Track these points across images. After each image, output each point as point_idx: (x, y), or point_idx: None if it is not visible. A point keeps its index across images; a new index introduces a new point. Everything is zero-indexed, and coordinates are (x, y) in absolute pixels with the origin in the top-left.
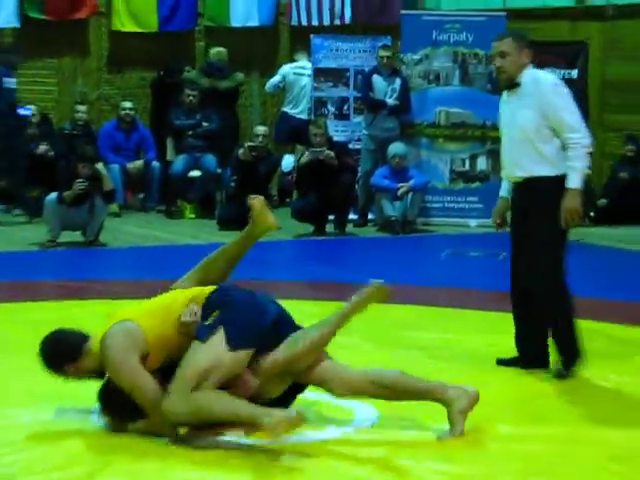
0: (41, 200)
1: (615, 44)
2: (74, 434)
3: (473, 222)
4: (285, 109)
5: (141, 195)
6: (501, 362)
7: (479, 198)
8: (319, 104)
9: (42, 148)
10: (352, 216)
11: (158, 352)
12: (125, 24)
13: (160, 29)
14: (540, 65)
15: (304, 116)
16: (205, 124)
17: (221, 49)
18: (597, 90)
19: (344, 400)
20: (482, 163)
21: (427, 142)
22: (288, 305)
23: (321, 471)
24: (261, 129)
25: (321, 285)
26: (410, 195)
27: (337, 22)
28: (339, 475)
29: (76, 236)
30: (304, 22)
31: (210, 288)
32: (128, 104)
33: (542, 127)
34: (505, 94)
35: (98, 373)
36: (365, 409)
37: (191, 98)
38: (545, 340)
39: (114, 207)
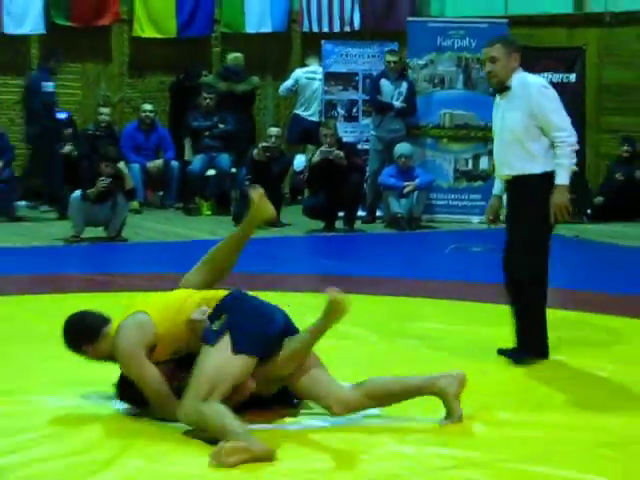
0: (66, 198)
1: (611, 50)
2: (94, 419)
3: (476, 219)
4: (297, 111)
5: (160, 193)
6: (502, 352)
7: (481, 196)
8: (329, 106)
9: (67, 148)
10: (361, 213)
11: (166, 345)
12: (145, 30)
13: (179, 35)
14: (540, 69)
15: (315, 118)
16: (221, 125)
17: (238, 54)
18: (594, 93)
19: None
20: (484, 163)
21: (432, 143)
22: (299, 298)
23: (326, 458)
24: (274, 130)
25: (331, 279)
26: (416, 193)
27: (347, 28)
28: (344, 461)
29: (99, 232)
30: (315, 28)
31: (223, 292)
32: (148, 106)
33: (530, 127)
34: (497, 97)
35: (112, 357)
36: None
37: (208, 101)
38: (544, 330)
39: (135, 204)
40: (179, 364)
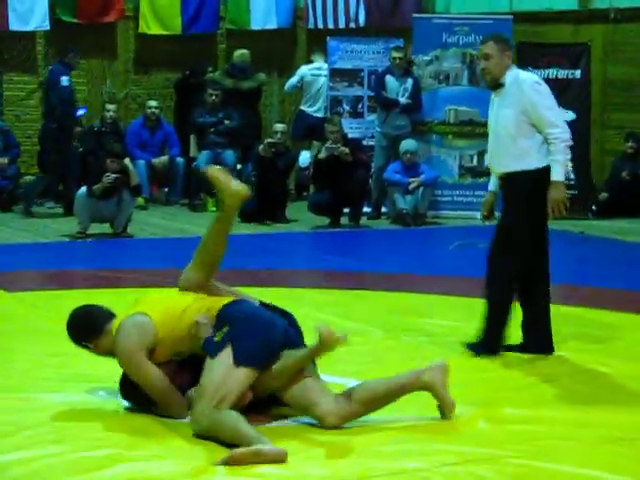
0: (69, 194)
1: (616, 46)
2: (99, 416)
3: (480, 215)
4: (302, 107)
5: (166, 189)
6: (508, 348)
7: (486, 192)
8: (335, 103)
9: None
10: (366, 209)
11: (166, 348)
12: (151, 27)
13: (184, 32)
14: (545, 65)
15: (320, 114)
16: (226, 122)
17: (244, 51)
18: (599, 89)
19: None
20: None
21: (437, 139)
22: (305, 293)
23: (331, 455)
24: (280, 126)
25: (336, 275)
26: (421, 189)
27: (352, 25)
28: (349, 459)
29: (105, 228)
30: (320, 25)
31: (225, 300)
32: (154, 103)
33: (523, 124)
34: (493, 95)
35: (114, 354)
36: None
37: (213, 97)
38: (548, 326)
39: (140, 200)
40: (181, 364)
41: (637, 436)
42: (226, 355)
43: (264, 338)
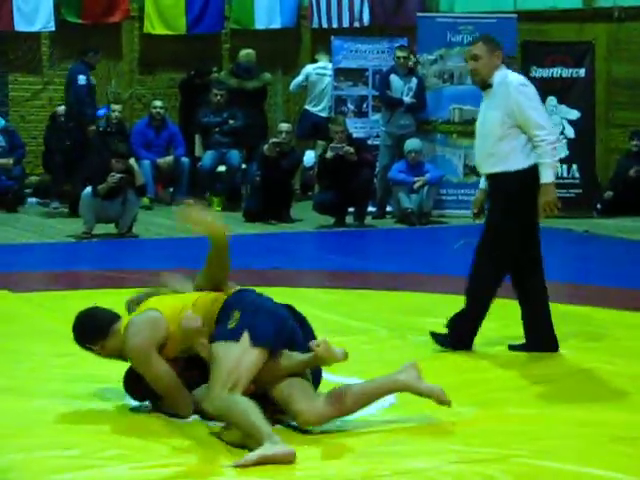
0: (75, 194)
1: (621, 45)
2: (108, 417)
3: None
4: (307, 107)
5: (171, 189)
6: (512, 348)
7: None
8: (339, 102)
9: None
10: (371, 208)
11: (176, 342)
12: (156, 27)
13: (189, 32)
14: (549, 64)
15: (325, 113)
16: (231, 122)
17: (250, 51)
18: (603, 88)
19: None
20: None
21: (442, 138)
22: (310, 293)
23: (338, 452)
24: (284, 126)
25: (341, 274)
26: (426, 188)
27: (356, 24)
28: (354, 460)
29: (110, 228)
30: (325, 24)
31: (230, 291)
32: (159, 103)
33: (508, 126)
34: (483, 95)
35: (121, 355)
36: None
37: (218, 97)
38: (549, 324)
39: (145, 200)
40: (189, 361)
41: (638, 435)
42: (243, 338)
43: (277, 321)
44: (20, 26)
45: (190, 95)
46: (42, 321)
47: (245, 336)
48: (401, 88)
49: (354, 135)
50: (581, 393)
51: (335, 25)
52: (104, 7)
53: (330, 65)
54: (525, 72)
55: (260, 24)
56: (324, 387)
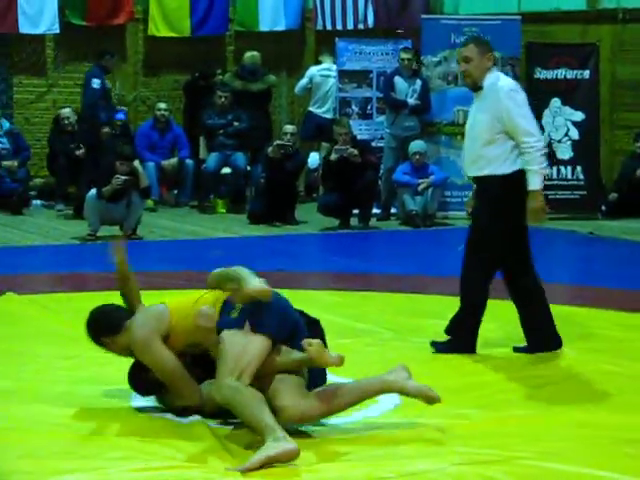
0: (80, 196)
1: (625, 46)
2: (114, 420)
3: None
4: (311, 109)
5: (175, 191)
6: (517, 350)
7: None
8: (344, 104)
9: (80, 152)
10: (375, 210)
11: (178, 335)
12: (160, 29)
13: (193, 34)
14: (553, 66)
15: (329, 115)
16: (236, 124)
17: (255, 53)
18: (608, 90)
19: None
20: None
21: (446, 140)
22: (315, 295)
23: (341, 454)
24: (289, 128)
25: (346, 276)
26: (430, 190)
27: (360, 26)
28: (358, 456)
29: (115, 230)
30: (329, 26)
31: None
32: (163, 105)
33: (496, 130)
34: (474, 97)
35: (132, 351)
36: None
37: (223, 99)
38: (548, 323)
39: (150, 202)
40: (195, 359)
41: None
42: (246, 327)
43: (280, 311)
44: (24, 28)
45: (194, 97)
46: (47, 323)
47: (248, 324)
48: (405, 90)
49: (358, 137)
50: (584, 395)
51: (339, 27)
52: (108, 9)
53: (334, 66)
54: (529, 73)
55: (264, 26)
56: None
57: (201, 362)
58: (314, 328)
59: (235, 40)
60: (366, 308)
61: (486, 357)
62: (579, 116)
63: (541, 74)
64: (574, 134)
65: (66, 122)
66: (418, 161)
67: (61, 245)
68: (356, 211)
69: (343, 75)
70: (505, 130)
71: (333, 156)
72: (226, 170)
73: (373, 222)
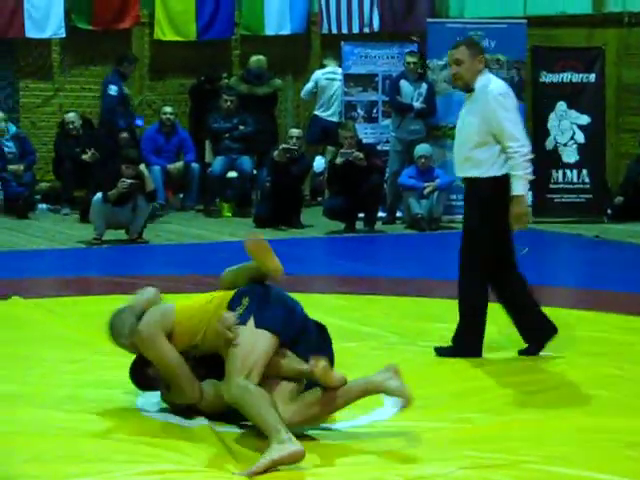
0: (86, 201)
1: (631, 50)
2: (119, 423)
3: None
4: (316, 112)
5: (181, 195)
6: (521, 353)
7: None
8: (349, 108)
9: (86, 156)
10: (381, 214)
11: (181, 336)
12: (166, 33)
13: (199, 38)
14: (559, 69)
15: (335, 118)
16: (241, 127)
17: (260, 57)
18: (613, 93)
19: None
20: None
21: (452, 143)
22: (320, 298)
23: (347, 458)
24: (295, 131)
25: (351, 280)
26: (436, 194)
27: (366, 30)
28: (365, 460)
29: (120, 234)
30: (334, 30)
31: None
32: (169, 109)
33: (484, 133)
34: (465, 98)
35: None
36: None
37: (229, 103)
38: (541, 315)
39: (155, 206)
40: (198, 361)
41: None
42: (250, 325)
43: (286, 309)
44: (31, 33)
45: (200, 101)
46: (53, 327)
47: (251, 322)
48: (411, 94)
49: (364, 141)
50: (588, 398)
51: (345, 31)
52: (114, 13)
53: (339, 70)
54: (535, 77)
55: (270, 30)
56: None
57: (204, 362)
58: (322, 334)
59: (241, 44)
60: (371, 311)
61: (489, 361)
62: (585, 120)
63: (547, 78)
64: (580, 138)
65: (71, 126)
66: (424, 165)
67: (67, 249)
68: (362, 215)
69: (349, 79)
70: (493, 133)
71: (339, 160)
72: (232, 174)
73: (379, 226)
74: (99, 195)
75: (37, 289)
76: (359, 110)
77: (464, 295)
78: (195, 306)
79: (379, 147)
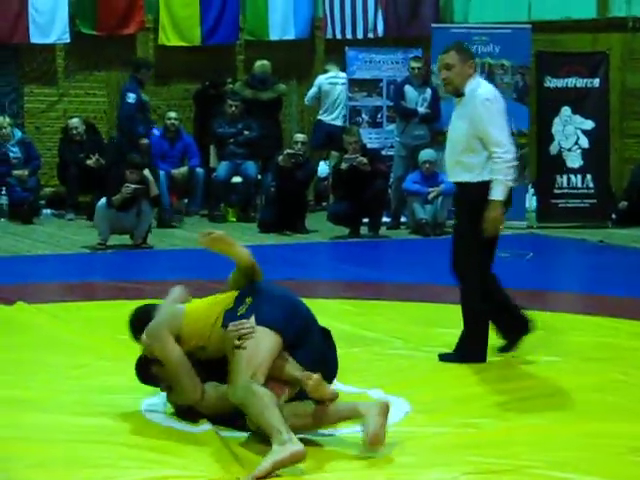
0: (92, 206)
1: (635, 55)
2: (124, 429)
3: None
4: (320, 117)
5: (186, 200)
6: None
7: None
8: (354, 113)
9: (90, 162)
10: (385, 219)
11: (189, 338)
12: (170, 39)
13: (203, 43)
14: (563, 74)
15: (339, 122)
16: (246, 132)
17: (265, 62)
18: (618, 98)
19: (375, 393)
20: None
21: None
22: (325, 303)
23: (353, 463)
24: (300, 136)
25: (356, 285)
26: (440, 199)
27: (370, 35)
28: (370, 465)
29: (125, 239)
30: (339, 35)
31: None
32: (173, 114)
33: (472, 137)
34: (455, 102)
35: None
36: (397, 401)
37: (233, 108)
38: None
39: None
40: (201, 364)
41: None
42: (250, 320)
43: (287, 307)
44: (35, 38)
45: (205, 106)
46: (57, 332)
47: (252, 319)
48: (415, 99)
49: (368, 146)
50: (592, 404)
51: (349, 36)
52: (119, 19)
53: (341, 74)
54: (539, 82)
55: (274, 35)
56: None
57: (207, 366)
58: (327, 340)
59: (245, 49)
60: (376, 317)
61: (493, 366)
62: (589, 124)
63: (551, 83)
64: (584, 142)
65: (74, 132)
66: (428, 170)
67: (71, 254)
68: (366, 220)
69: (353, 84)
70: (480, 137)
71: (343, 165)
72: (236, 179)
73: (383, 231)
74: (103, 200)
75: (41, 294)
76: (363, 115)
77: (464, 300)
78: (201, 309)
79: (383, 152)
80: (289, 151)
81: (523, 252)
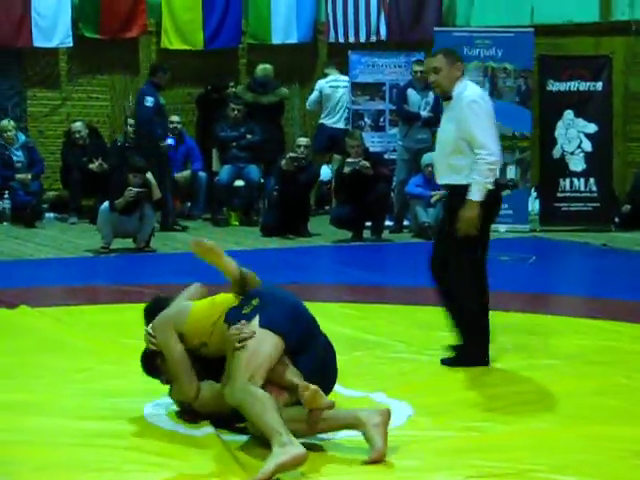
0: (95, 209)
1: (638, 58)
2: (127, 433)
3: (503, 227)
4: (322, 120)
5: (188, 204)
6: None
7: (509, 205)
8: (357, 116)
9: (93, 166)
10: (388, 223)
11: (192, 336)
12: (173, 42)
13: (206, 47)
14: (566, 78)
15: (341, 125)
16: (248, 136)
17: (267, 66)
18: (620, 102)
19: (377, 396)
20: (511, 172)
21: None
22: (327, 307)
23: (357, 467)
24: (303, 140)
25: (359, 288)
26: (443, 202)
27: (373, 39)
28: (374, 469)
29: (128, 243)
30: (341, 39)
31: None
32: (176, 118)
33: (460, 139)
34: (443, 106)
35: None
36: (400, 405)
37: (236, 112)
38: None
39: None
40: (202, 363)
41: None
42: (254, 324)
43: (292, 311)
44: (38, 42)
45: (207, 110)
46: (60, 336)
47: (256, 321)
48: (418, 102)
49: (371, 149)
50: (598, 407)
51: (352, 40)
52: (122, 22)
53: (342, 77)
54: (542, 86)
55: (277, 39)
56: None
57: (205, 364)
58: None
59: (248, 53)
60: (378, 320)
61: (494, 370)
62: (592, 128)
63: (554, 86)
64: (587, 146)
65: (77, 136)
66: (430, 173)
67: (74, 258)
68: (369, 223)
69: (356, 87)
70: (466, 139)
71: (346, 169)
72: (239, 183)
73: (386, 234)
74: (106, 204)
75: (44, 298)
76: (366, 119)
77: (461, 303)
78: (206, 307)
79: (386, 156)
80: (292, 155)
81: (526, 256)
